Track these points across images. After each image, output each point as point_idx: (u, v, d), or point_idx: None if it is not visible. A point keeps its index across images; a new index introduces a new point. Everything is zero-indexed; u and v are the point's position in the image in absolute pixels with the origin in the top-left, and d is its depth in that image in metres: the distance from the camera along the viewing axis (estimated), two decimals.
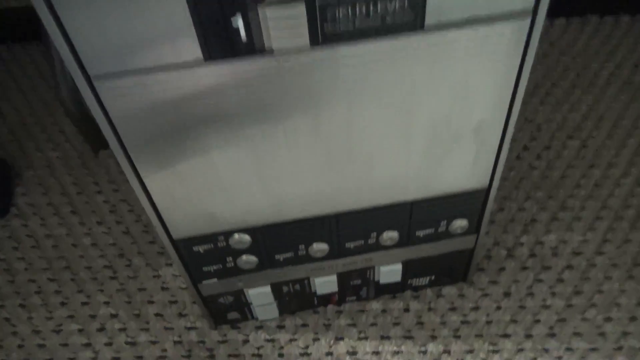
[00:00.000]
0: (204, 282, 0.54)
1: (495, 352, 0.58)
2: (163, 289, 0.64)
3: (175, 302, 0.63)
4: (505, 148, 0.45)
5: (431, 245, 0.55)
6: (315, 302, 0.61)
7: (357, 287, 0.60)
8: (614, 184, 0.69)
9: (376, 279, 0.59)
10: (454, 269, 0.60)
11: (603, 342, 0.58)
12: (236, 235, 0.49)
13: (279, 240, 0.50)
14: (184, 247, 0.48)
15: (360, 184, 0.45)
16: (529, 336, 0.59)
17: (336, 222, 0.50)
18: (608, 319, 0.59)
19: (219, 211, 0.45)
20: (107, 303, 0.63)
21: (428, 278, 0.61)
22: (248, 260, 0.51)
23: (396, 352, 0.58)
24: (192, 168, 0.41)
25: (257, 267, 0.53)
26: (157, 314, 0.62)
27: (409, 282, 0.61)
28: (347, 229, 0.50)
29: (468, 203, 0.50)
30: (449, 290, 0.63)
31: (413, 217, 0.50)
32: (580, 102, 0.76)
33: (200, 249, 0.49)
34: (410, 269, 0.58)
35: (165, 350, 0.60)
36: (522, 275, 0.63)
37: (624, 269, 0.62)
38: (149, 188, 0.42)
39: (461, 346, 0.58)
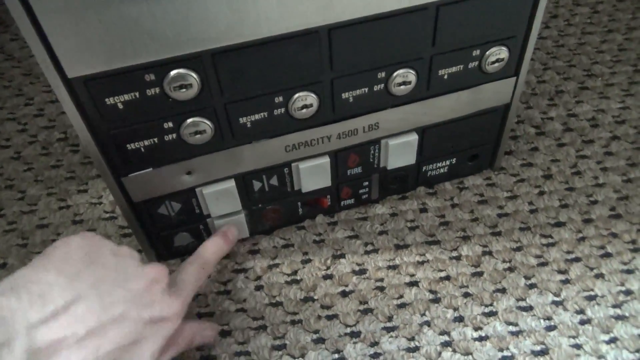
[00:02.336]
0: (131, 175, 0.35)
1: (550, 245, 0.42)
2: (75, 222, 0.44)
3: None
4: None
5: (457, 96, 0.39)
6: (300, 210, 0.43)
7: (357, 181, 0.43)
8: None
9: (382, 164, 0.42)
10: (483, 142, 0.44)
11: None
12: (173, 72, 0.30)
13: (242, 82, 0.32)
14: (89, 94, 0.30)
15: None
16: (588, 221, 0.44)
17: (328, 47, 0.33)
18: None
19: (142, 24, 0.27)
20: None
21: (447, 163, 0.45)
22: (196, 125, 0.33)
23: (420, 263, 0.42)
24: None
25: (213, 141, 0.35)
26: None
27: (423, 169, 0.44)
28: (344, 59, 0.34)
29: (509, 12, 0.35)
30: (474, 181, 0.47)
31: (438, 32, 0.34)
32: None
33: (117, 100, 0.31)
34: (428, 144, 0.42)
35: None
36: (561, 152, 0.49)
37: None
38: None
39: (504, 244, 0.43)
